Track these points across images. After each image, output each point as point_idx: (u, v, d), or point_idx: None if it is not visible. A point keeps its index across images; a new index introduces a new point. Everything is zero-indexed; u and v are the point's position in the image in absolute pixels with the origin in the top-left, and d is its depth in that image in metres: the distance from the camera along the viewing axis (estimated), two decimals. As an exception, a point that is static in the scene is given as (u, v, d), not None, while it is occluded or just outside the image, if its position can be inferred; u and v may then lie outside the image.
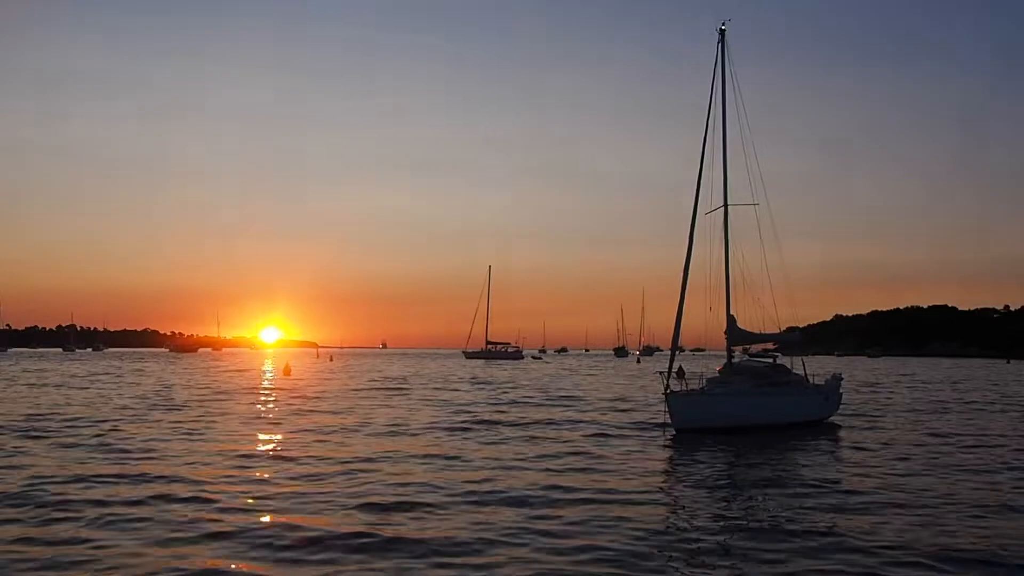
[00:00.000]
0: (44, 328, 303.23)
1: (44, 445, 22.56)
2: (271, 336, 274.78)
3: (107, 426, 27.47)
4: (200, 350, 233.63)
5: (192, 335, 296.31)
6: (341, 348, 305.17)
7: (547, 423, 30.16)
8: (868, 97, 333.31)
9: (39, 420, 29.33)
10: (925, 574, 10.78)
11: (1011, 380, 71.63)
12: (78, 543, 11.92)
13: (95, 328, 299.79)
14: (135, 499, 14.94)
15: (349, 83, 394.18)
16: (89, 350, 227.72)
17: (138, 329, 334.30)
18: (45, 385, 52.34)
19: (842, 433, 27.20)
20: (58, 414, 31.62)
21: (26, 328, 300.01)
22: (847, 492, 16.44)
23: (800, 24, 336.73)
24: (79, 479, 17.05)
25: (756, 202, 29.85)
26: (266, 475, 18.03)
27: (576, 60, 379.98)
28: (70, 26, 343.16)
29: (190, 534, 12.46)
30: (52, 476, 17.40)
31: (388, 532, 12.58)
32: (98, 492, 15.62)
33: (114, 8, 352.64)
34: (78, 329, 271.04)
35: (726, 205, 29.90)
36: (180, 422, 29.06)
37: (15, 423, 28.17)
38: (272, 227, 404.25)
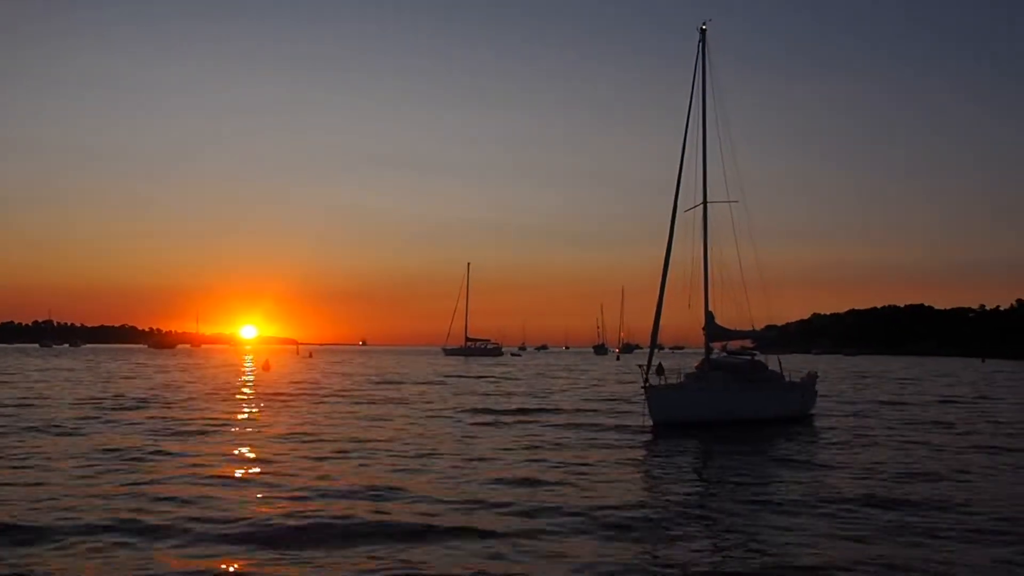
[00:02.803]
0: (20, 324, 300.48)
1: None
2: (250, 333, 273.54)
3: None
4: (179, 346, 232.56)
5: (171, 331, 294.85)
6: (321, 345, 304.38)
7: (527, 415, 30.59)
8: (847, 98, 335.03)
9: None
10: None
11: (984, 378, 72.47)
12: None
13: (72, 324, 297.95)
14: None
15: (329, 81, 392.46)
16: (66, 346, 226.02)
17: (116, 325, 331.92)
18: None
19: (816, 428, 27.55)
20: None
21: (1, 324, 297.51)
22: (816, 484, 16.80)
23: (781, 24, 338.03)
24: None
25: (735, 199, 30.20)
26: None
27: (557, 58, 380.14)
28: (59, 24, 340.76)
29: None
30: None
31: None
32: None
33: (102, 6, 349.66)
34: (55, 325, 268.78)
35: (705, 202, 30.18)
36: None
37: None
38: (252, 224, 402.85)
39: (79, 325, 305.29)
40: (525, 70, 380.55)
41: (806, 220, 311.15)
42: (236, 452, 20.62)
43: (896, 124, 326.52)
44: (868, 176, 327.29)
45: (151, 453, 19.96)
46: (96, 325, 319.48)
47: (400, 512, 13.51)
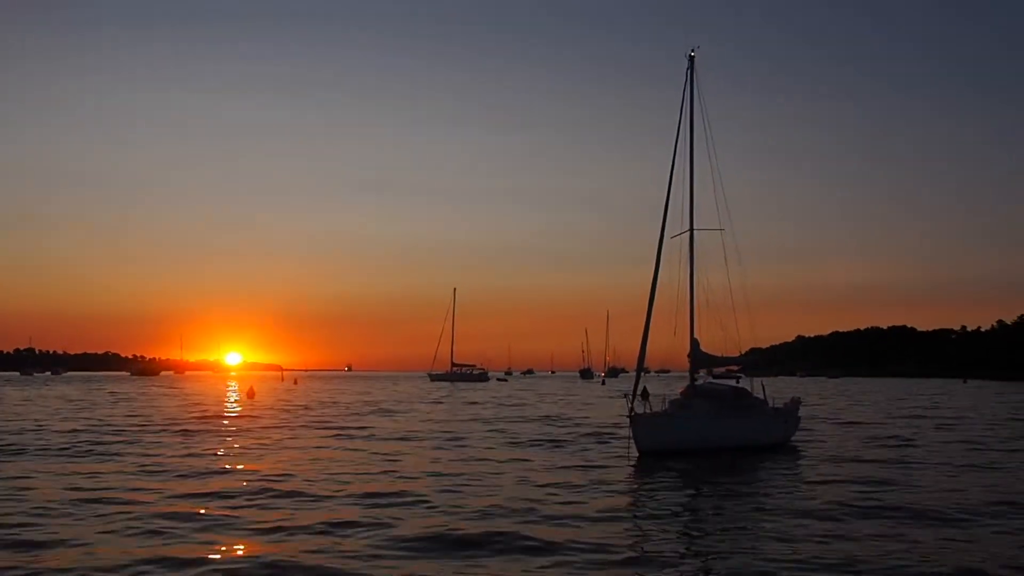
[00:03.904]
0: (1, 352, 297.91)
1: None
2: (235, 359, 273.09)
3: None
4: (162, 373, 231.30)
5: (154, 358, 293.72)
6: (306, 371, 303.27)
7: (514, 441, 30.70)
8: (832, 119, 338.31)
9: None
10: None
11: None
12: None
13: (55, 352, 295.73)
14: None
15: (313, 104, 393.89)
16: (48, 374, 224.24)
17: (99, 352, 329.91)
18: None
19: (799, 455, 27.68)
20: None
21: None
22: (801, 514, 16.93)
23: (766, 46, 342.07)
24: None
25: (722, 227, 30.37)
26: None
27: (542, 80, 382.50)
28: (36, 47, 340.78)
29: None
30: None
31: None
32: None
33: (80, 30, 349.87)
34: (37, 353, 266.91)
35: (692, 229, 30.34)
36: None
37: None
38: (237, 249, 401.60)
39: (61, 352, 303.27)
40: (510, 92, 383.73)
41: (790, 241, 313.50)
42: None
43: (879, 145, 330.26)
44: (851, 197, 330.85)
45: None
46: (79, 352, 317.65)
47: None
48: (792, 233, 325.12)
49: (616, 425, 37.89)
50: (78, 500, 17.76)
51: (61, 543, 13.55)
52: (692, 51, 30.77)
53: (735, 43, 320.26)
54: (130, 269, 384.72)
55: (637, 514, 17.10)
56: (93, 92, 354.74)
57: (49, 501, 17.58)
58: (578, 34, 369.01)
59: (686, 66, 30.75)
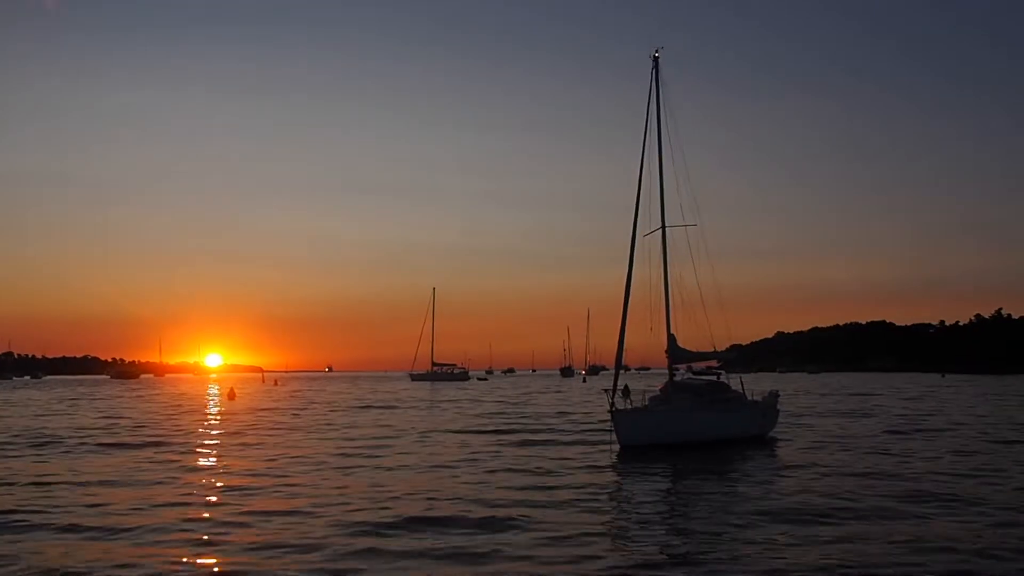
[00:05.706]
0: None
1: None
2: (215, 361, 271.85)
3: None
4: (142, 376, 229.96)
5: (134, 361, 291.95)
6: (286, 372, 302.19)
7: (496, 435, 30.92)
8: (806, 116, 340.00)
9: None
10: None
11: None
12: None
13: (34, 355, 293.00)
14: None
15: (293, 107, 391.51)
16: (27, 378, 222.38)
17: (78, 356, 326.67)
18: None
19: (777, 448, 28.04)
20: None
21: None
22: (776, 505, 17.24)
23: (737, 42, 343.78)
24: None
25: (693, 223, 30.76)
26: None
27: (518, 81, 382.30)
28: (14, 50, 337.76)
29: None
30: None
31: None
32: None
33: (61, 32, 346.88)
34: (16, 357, 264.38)
35: (664, 227, 30.67)
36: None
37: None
38: (216, 251, 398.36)
39: (40, 356, 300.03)
40: (488, 94, 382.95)
41: (768, 239, 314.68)
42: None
43: (855, 142, 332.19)
44: (831, 194, 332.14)
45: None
46: (58, 356, 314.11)
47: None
48: (772, 230, 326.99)
49: (598, 421, 38.18)
50: None
51: None
52: (656, 51, 31.29)
53: (714, 42, 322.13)
54: (109, 272, 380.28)
55: (620, 507, 17.41)
56: (75, 94, 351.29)
57: None
58: (556, 33, 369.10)
59: (651, 66, 31.26)
